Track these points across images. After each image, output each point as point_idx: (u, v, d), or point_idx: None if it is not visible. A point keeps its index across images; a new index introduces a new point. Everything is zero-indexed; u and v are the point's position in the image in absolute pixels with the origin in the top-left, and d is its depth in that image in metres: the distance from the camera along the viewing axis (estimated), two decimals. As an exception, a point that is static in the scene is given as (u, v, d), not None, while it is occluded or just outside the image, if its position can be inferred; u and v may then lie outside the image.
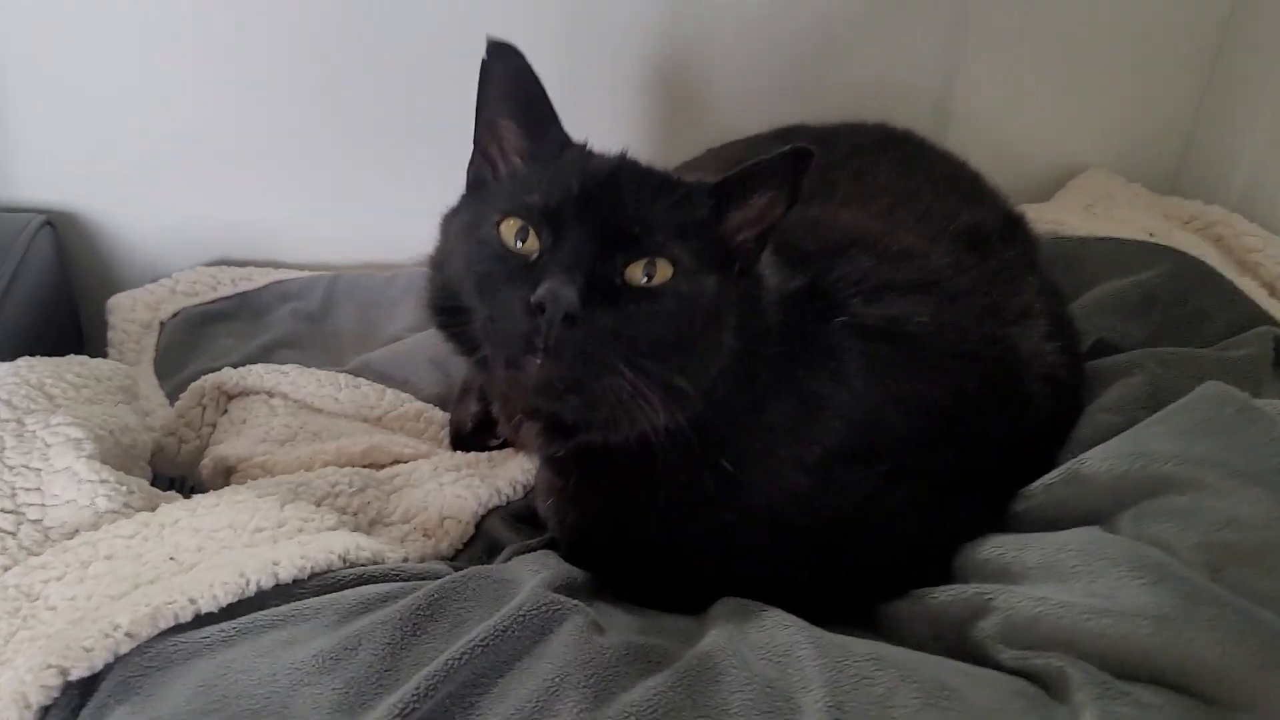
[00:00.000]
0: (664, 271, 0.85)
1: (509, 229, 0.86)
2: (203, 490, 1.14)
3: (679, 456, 0.86)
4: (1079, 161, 1.75)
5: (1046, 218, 1.48)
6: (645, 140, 1.60)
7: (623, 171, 0.89)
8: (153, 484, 1.12)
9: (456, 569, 0.97)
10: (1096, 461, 0.94)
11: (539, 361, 0.81)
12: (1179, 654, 0.74)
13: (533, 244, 0.85)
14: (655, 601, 0.94)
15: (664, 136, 1.61)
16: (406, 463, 1.14)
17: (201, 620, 0.81)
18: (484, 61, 0.90)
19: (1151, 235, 1.45)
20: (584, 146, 0.94)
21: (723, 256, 0.89)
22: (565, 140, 0.94)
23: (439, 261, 0.95)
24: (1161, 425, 0.95)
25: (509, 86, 0.91)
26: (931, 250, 1.01)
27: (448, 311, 0.89)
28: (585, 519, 0.98)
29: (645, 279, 0.84)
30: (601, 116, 1.57)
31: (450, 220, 0.97)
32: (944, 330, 0.95)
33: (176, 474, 1.18)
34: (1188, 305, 1.23)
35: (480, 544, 1.07)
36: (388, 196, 1.56)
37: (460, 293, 0.88)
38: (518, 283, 0.82)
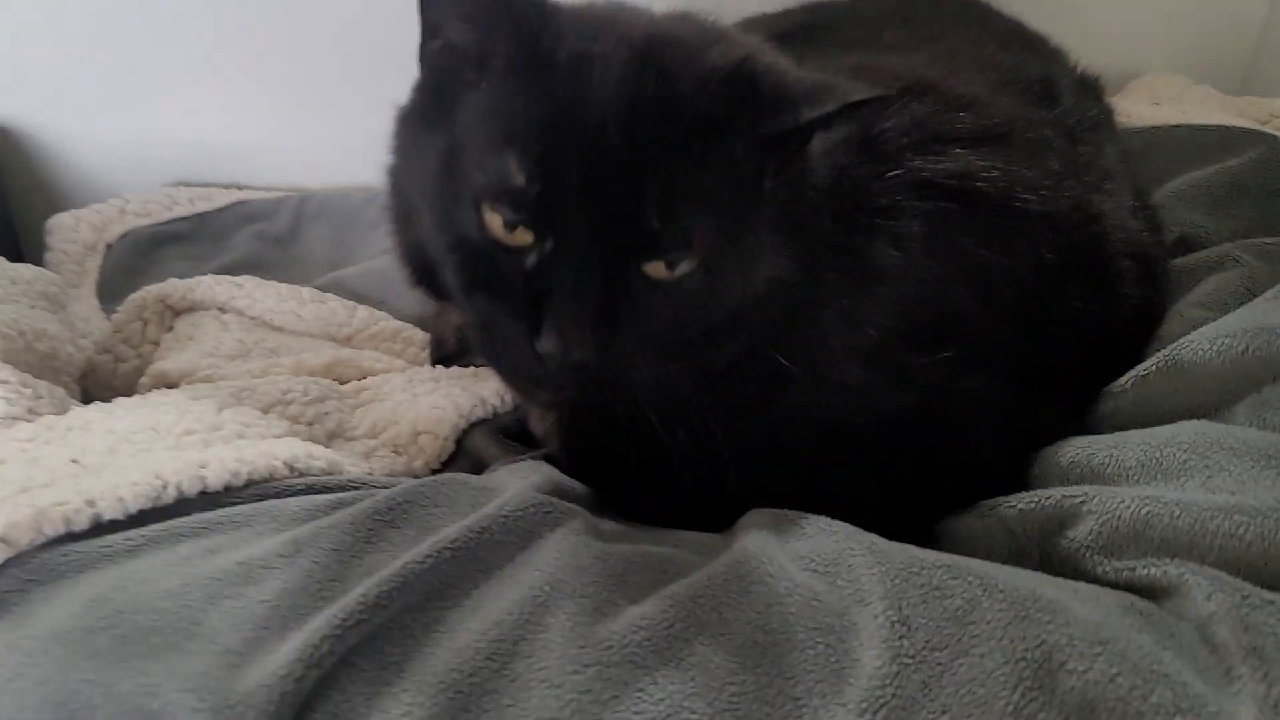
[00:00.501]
0: (691, 261, 0.66)
1: (494, 219, 0.65)
2: (143, 415, 0.98)
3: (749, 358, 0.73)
4: (1136, 64, 1.58)
5: (1115, 109, 1.32)
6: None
7: (641, 104, 0.63)
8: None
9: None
10: (1203, 343, 0.78)
11: (546, 393, 0.70)
12: None
13: (526, 236, 0.65)
14: (676, 520, 0.77)
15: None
16: (378, 376, 0.97)
17: (104, 529, 0.65)
18: None
19: (1229, 129, 1.28)
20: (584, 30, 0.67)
21: (759, 187, 0.70)
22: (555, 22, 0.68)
23: (399, 183, 0.78)
24: (1282, 299, 0.79)
25: (466, 21, 0.69)
26: (997, 99, 0.84)
27: (423, 272, 0.75)
28: (596, 435, 0.80)
29: (669, 273, 0.66)
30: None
31: (408, 126, 0.77)
32: (1018, 188, 0.79)
33: (113, 396, 1.01)
34: (1286, 192, 1.07)
35: (462, 463, 0.91)
36: (366, 112, 1.41)
37: (438, 269, 0.73)
38: (514, 300, 0.66)
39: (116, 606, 0.58)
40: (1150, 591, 0.64)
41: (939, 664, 0.57)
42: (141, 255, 1.26)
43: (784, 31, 1.06)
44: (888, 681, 0.55)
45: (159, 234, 1.30)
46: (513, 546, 0.64)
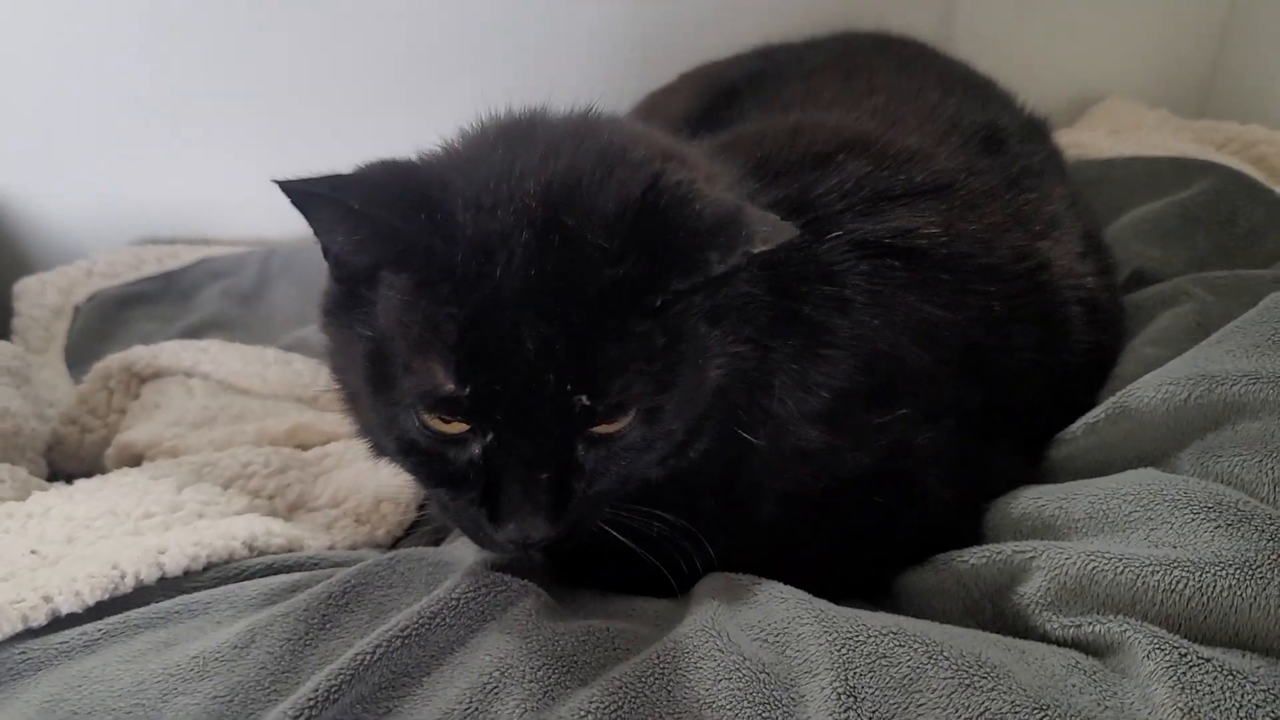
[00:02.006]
0: (630, 416, 0.65)
1: (433, 420, 0.64)
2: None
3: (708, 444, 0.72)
4: (1096, 90, 1.59)
5: (1068, 141, 1.32)
6: (619, 59, 1.44)
7: (549, 289, 0.61)
8: (50, 480, 0.97)
9: (393, 558, 0.82)
10: (1149, 390, 0.78)
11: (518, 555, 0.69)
12: (1271, 608, 0.61)
13: (464, 428, 0.65)
14: (631, 585, 0.77)
15: (641, 54, 1.42)
16: (340, 441, 0.98)
17: (62, 623, 0.66)
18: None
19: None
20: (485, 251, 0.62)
21: (685, 322, 0.68)
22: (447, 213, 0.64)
23: (338, 366, 0.74)
24: (1224, 344, 0.80)
25: (354, 233, 0.65)
26: (938, 151, 0.84)
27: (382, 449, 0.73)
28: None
29: (612, 428, 0.65)
30: (574, 32, 1.40)
31: (333, 315, 0.71)
32: (960, 242, 0.79)
33: (81, 469, 1.02)
34: (1235, 225, 1.08)
35: (424, 531, 0.91)
36: (326, 160, 1.41)
37: (388, 453, 0.72)
38: (469, 490, 0.66)
39: (71, 708, 0.59)
40: (1095, 648, 0.65)
41: (886, 734, 0.58)
42: (108, 318, 1.26)
43: (731, 83, 1.07)
44: (835, 756, 0.56)
45: (125, 295, 1.30)
46: (464, 629, 0.65)
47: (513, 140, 0.68)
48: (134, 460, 0.96)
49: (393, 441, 0.67)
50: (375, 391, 0.66)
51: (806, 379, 0.73)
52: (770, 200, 0.76)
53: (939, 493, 0.78)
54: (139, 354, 1.07)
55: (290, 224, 1.47)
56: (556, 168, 0.65)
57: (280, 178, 0.63)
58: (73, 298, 1.28)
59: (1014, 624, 0.71)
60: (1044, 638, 0.68)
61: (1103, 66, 1.60)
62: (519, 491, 0.63)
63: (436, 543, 0.89)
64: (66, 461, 1.01)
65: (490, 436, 0.63)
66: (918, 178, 0.81)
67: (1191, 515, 0.68)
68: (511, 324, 0.60)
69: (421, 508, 0.92)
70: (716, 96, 1.07)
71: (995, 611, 0.73)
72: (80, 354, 1.20)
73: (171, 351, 1.08)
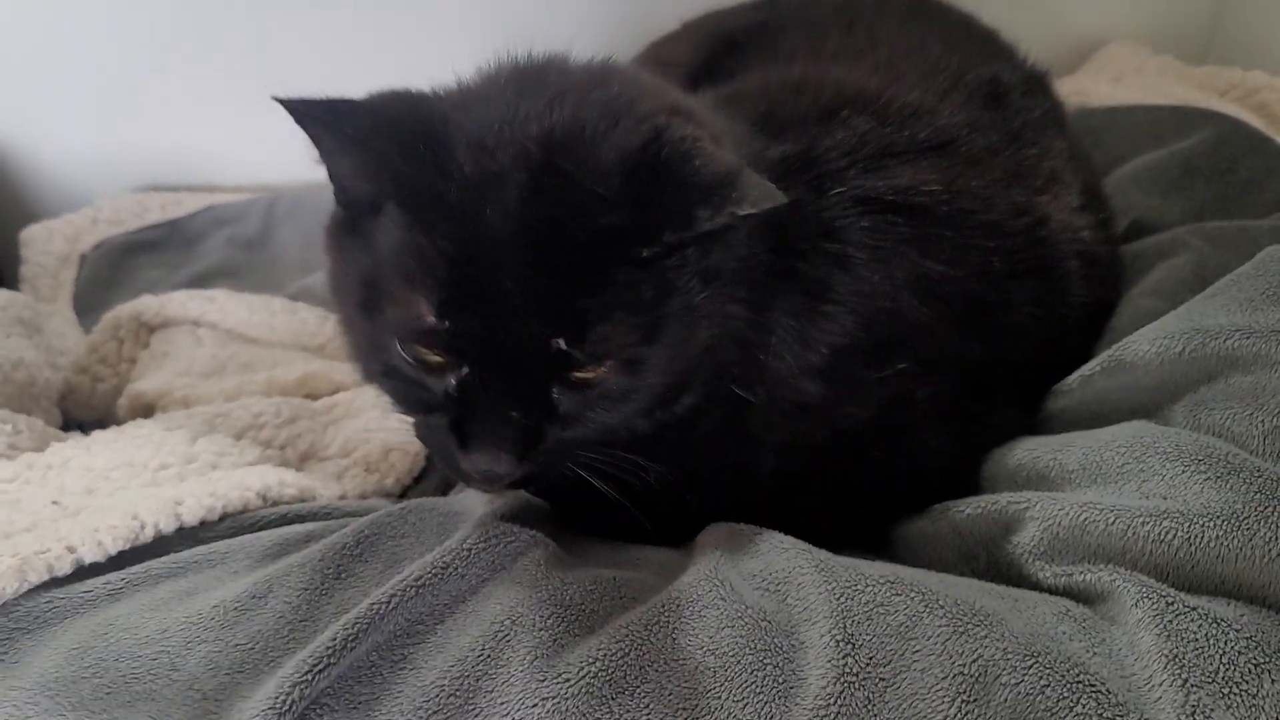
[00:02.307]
0: (608, 366, 0.67)
1: (414, 348, 0.66)
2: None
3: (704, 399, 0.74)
4: (1100, 35, 1.58)
5: (1070, 89, 1.32)
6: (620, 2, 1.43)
7: (540, 232, 0.62)
8: (63, 430, 0.99)
9: (403, 507, 0.84)
10: (1143, 344, 0.80)
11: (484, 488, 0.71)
12: (1258, 559, 0.63)
13: (443, 359, 0.67)
14: (636, 535, 0.79)
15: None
16: (349, 390, 1.00)
17: (85, 572, 0.68)
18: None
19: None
20: (478, 184, 0.64)
21: (675, 275, 0.68)
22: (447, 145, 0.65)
23: (337, 290, 0.75)
24: (1219, 298, 0.81)
25: (354, 160, 0.67)
26: (941, 106, 0.85)
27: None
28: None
29: (589, 376, 0.67)
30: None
31: (335, 238, 0.73)
32: (961, 199, 0.80)
33: (93, 417, 1.04)
34: (1236, 175, 1.08)
35: (433, 478, 0.93)
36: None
37: (373, 377, 0.73)
38: (441, 416, 0.68)
39: (99, 655, 0.61)
40: (1086, 596, 0.67)
41: (882, 679, 0.60)
42: (115, 266, 1.27)
43: (733, 33, 1.07)
44: (833, 700, 0.58)
45: (131, 243, 1.31)
46: (475, 579, 0.67)
47: (524, 84, 0.69)
48: (146, 410, 0.98)
49: (378, 365, 0.70)
50: (365, 316, 0.68)
51: (805, 335, 0.75)
52: (776, 156, 0.77)
53: (937, 445, 0.79)
54: (147, 303, 1.09)
55: (294, 169, 1.48)
56: (561, 114, 0.65)
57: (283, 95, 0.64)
58: (79, 246, 1.29)
59: (1008, 572, 0.73)
60: (1036, 586, 0.70)
61: (1106, 12, 1.58)
62: (488, 426, 0.65)
63: (445, 490, 0.91)
64: (79, 410, 1.03)
65: (466, 370, 0.65)
66: (920, 134, 0.81)
67: (1182, 467, 0.69)
68: (497, 264, 0.62)
69: (430, 456, 0.94)
70: (718, 47, 1.06)
71: (990, 560, 0.75)
72: (88, 302, 1.21)
73: (179, 301, 1.09)
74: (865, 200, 0.77)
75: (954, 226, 0.79)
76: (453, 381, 0.66)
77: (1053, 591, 0.69)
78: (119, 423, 1.01)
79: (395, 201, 0.65)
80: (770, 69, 0.89)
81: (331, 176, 0.70)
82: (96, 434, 0.84)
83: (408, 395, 0.70)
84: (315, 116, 0.65)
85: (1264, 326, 0.75)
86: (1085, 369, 0.84)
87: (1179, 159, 1.11)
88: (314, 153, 0.68)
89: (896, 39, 0.94)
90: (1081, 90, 1.33)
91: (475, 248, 0.62)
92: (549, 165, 0.63)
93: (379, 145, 0.64)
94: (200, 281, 1.23)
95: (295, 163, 1.45)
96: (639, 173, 0.63)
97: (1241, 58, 1.47)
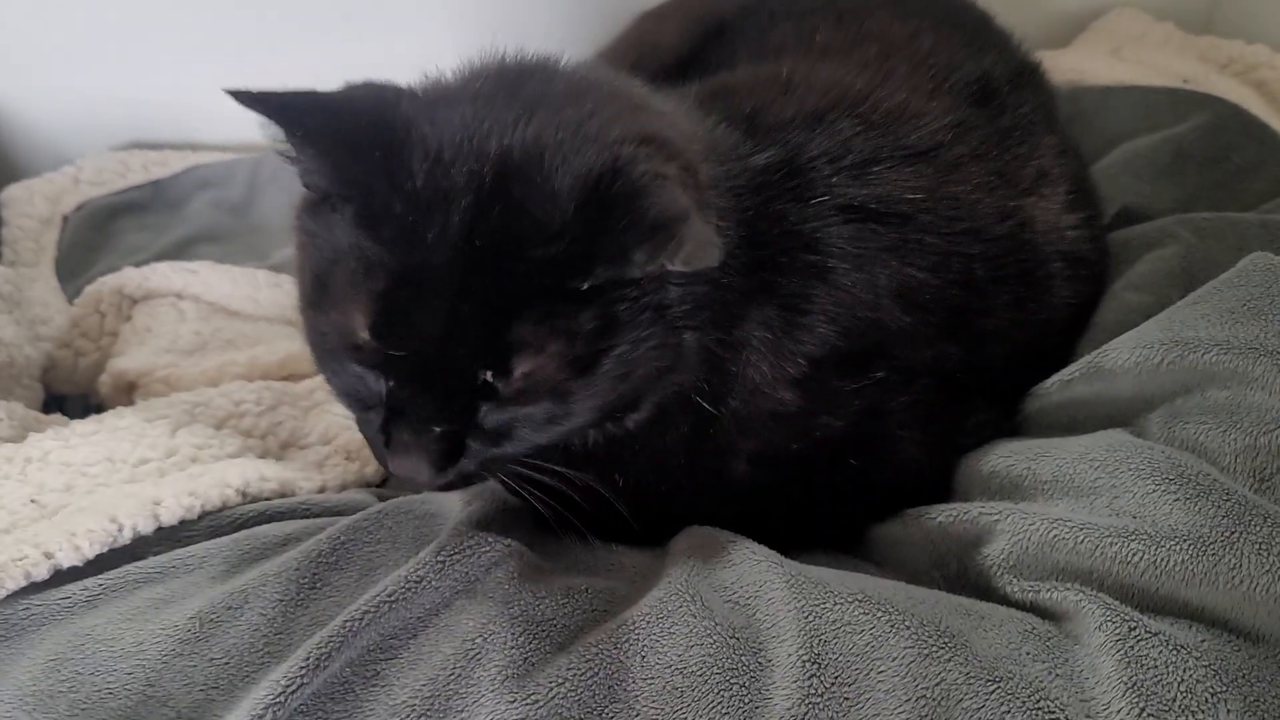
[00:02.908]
0: (535, 398, 0.67)
1: (346, 359, 0.67)
2: (106, 410, 1.01)
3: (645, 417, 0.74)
4: (1102, 1, 1.54)
5: (1066, 66, 1.30)
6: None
7: (479, 260, 0.61)
8: (46, 405, 0.99)
9: (382, 498, 0.85)
10: (1123, 352, 0.80)
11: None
12: (1222, 585, 0.63)
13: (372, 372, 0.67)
14: (611, 536, 0.80)
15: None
16: (331, 373, 0.99)
17: (63, 576, 0.69)
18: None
19: (1186, 82, 1.27)
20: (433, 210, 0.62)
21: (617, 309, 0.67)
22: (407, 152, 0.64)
23: (298, 274, 0.73)
24: (1200, 306, 0.81)
25: (310, 157, 0.66)
26: (929, 108, 0.84)
27: None
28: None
29: (516, 407, 0.67)
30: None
31: (300, 223, 0.71)
32: (944, 206, 0.80)
33: (76, 391, 1.04)
34: (1228, 162, 1.07)
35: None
36: (319, 63, 1.38)
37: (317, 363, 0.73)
38: (373, 415, 0.69)
39: (75, 668, 0.62)
40: (1052, 613, 0.68)
41: (846, 699, 0.61)
42: (98, 229, 1.26)
43: (724, 19, 1.05)
44: (797, 720, 0.60)
45: (114, 205, 1.29)
46: (448, 592, 0.67)
47: (499, 90, 0.68)
48: (128, 389, 0.98)
49: (318, 358, 0.70)
50: (312, 309, 0.68)
51: (781, 347, 0.75)
52: (761, 164, 0.76)
53: (913, 454, 0.80)
54: (130, 276, 1.08)
55: (279, 129, 1.46)
56: (525, 133, 0.64)
57: (233, 87, 0.64)
58: (61, 207, 1.27)
59: (977, 582, 0.74)
60: (1005, 599, 0.71)
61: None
62: (410, 437, 0.66)
63: (424, 480, 0.92)
64: (62, 384, 1.03)
65: (393, 383, 0.65)
66: (906, 140, 0.80)
67: (1154, 486, 0.70)
68: (432, 289, 0.62)
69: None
70: (708, 30, 1.04)
71: (960, 567, 0.76)
72: (71, 266, 1.20)
73: (162, 274, 1.08)
74: (848, 209, 0.76)
75: (937, 233, 0.79)
76: (383, 389, 0.66)
77: (1020, 606, 0.70)
78: (101, 399, 1.01)
79: (345, 202, 0.64)
80: (758, 61, 0.87)
81: (294, 161, 0.69)
82: (76, 425, 0.84)
83: (344, 390, 0.70)
84: (270, 111, 0.64)
85: (1242, 342, 0.75)
86: (1064, 374, 0.84)
87: (1172, 145, 1.10)
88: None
89: (887, 32, 0.92)
90: (1078, 69, 1.31)
91: (414, 268, 0.62)
92: (499, 189, 0.62)
93: (334, 148, 0.64)
94: (185, 246, 1.22)
95: (280, 122, 1.44)
96: (589, 204, 0.62)
97: (1245, 24, 1.44)
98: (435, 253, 0.61)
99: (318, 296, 0.67)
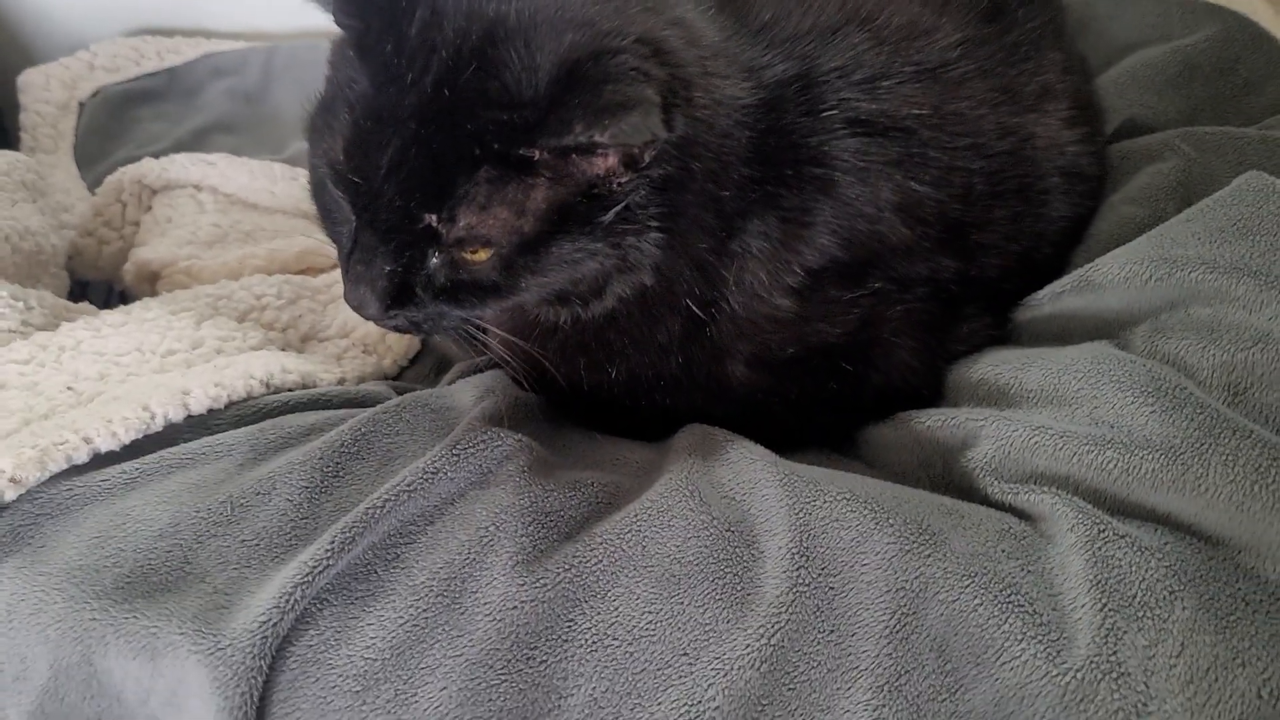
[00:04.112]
0: (484, 257, 0.70)
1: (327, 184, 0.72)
2: (130, 297, 1.04)
3: (627, 311, 0.78)
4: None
5: (1077, -27, 1.29)
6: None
7: (445, 108, 0.65)
8: (71, 291, 1.03)
9: (399, 390, 0.89)
10: (1113, 267, 0.83)
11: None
12: (1188, 491, 0.67)
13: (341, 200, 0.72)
14: (615, 431, 0.85)
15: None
16: (347, 267, 1.03)
17: (101, 460, 0.73)
18: None
19: (1201, -11, 1.26)
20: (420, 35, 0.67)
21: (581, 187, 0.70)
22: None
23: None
24: (1191, 224, 0.83)
25: None
26: (939, 24, 0.85)
27: None
28: (569, 358, 0.84)
29: (466, 256, 0.70)
30: None
31: (330, 58, 0.75)
32: (949, 121, 0.82)
33: (100, 278, 1.08)
34: (1235, 75, 1.08)
35: (428, 360, 0.98)
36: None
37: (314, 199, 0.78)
38: (341, 241, 0.74)
39: (118, 545, 0.67)
40: (1028, 514, 0.73)
41: (831, 589, 0.66)
42: (114, 116, 1.28)
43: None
44: (786, 607, 0.64)
45: (130, 92, 1.30)
46: (463, 482, 0.72)
47: None
48: (151, 279, 1.01)
49: (314, 186, 0.76)
50: (315, 135, 0.73)
51: (780, 258, 0.78)
52: (774, 78, 0.78)
53: (906, 360, 0.84)
54: (149, 166, 1.10)
55: (289, 17, 1.46)
56: (528, 5, 0.68)
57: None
58: (77, 93, 1.29)
59: (960, 483, 0.79)
60: (985, 500, 0.75)
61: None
62: (362, 269, 0.71)
63: (439, 372, 0.96)
64: (86, 271, 1.06)
65: (355, 214, 0.70)
66: (915, 56, 0.82)
67: (1132, 398, 0.73)
68: (394, 126, 0.66)
69: (424, 340, 0.99)
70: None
71: (945, 469, 0.80)
72: (89, 152, 1.22)
73: (181, 165, 1.10)
74: (855, 123, 0.78)
75: (940, 148, 0.81)
76: (352, 219, 0.71)
77: (999, 507, 0.74)
78: (125, 286, 1.05)
79: (352, 36, 0.69)
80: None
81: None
82: (105, 315, 0.87)
83: (324, 215, 0.76)
84: None
85: (1227, 261, 0.78)
86: (1056, 286, 0.87)
87: (1180, 56, 1.10)
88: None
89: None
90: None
91: (386, 104, 0.66)
92: (480, 50, 0.65)
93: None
94: (200, 135, 1.24)
95: (289, 9, 1.43)
96: (559, 83, 0.65)
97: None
98: (407, 95, 0.65)
99: (321, 124, 0.71)
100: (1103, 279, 0.83)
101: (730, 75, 0.75)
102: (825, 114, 0.78)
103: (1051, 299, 0.87)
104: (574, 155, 0.67)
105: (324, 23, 1.39)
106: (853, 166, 0.78)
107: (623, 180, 0.70)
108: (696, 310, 0.78)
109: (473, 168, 0.66)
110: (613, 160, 0.68)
